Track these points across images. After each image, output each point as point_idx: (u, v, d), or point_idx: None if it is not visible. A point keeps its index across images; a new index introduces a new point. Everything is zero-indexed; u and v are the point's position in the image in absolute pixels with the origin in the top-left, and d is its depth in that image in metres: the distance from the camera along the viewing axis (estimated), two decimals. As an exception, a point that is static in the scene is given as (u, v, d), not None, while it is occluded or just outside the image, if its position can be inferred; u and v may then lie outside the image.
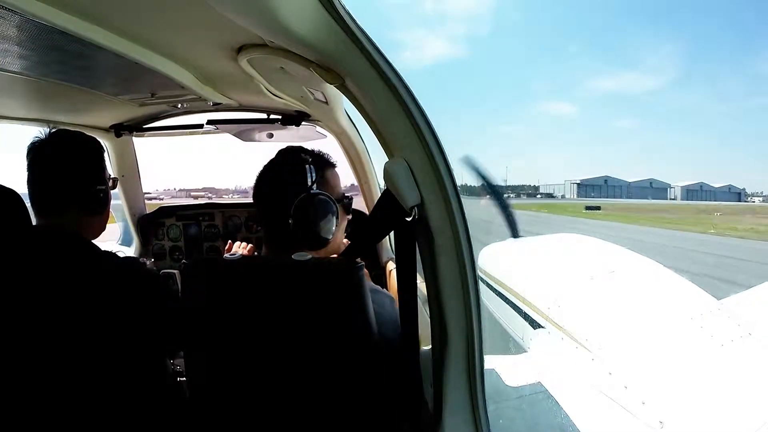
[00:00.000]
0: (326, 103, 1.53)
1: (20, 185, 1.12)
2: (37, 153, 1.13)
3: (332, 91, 1.23)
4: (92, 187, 1.14)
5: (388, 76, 0.80)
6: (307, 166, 1.08)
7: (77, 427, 1.00)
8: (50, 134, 1.15)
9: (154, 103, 1.76)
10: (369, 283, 0.99)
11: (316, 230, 1.06)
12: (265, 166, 1.14)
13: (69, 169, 1.12)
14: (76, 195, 1.12)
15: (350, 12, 0.76)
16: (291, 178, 1.07)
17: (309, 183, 1.06)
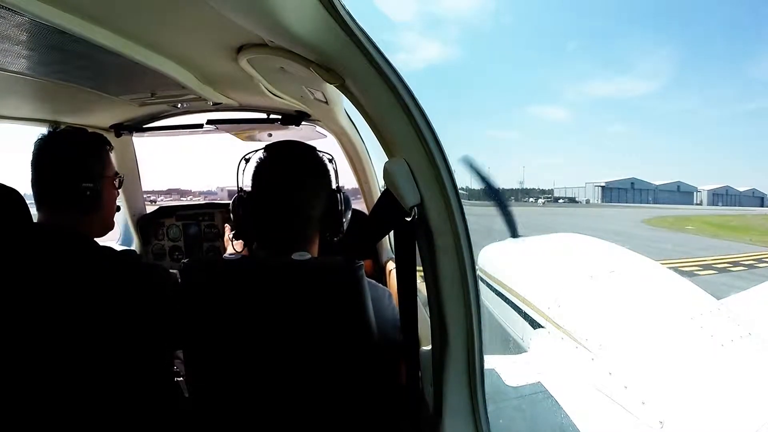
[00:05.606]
0: (326, 103, 1.53)
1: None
2: (35, 150, 1.14)
3: (332, 91, 1.23)
4: (77, 185, 1.13)
5: (388, 76, 0.80)
6: (330, 162, 1.11)
7: (77, 426, 1.00)
8: (50, 133, 1.15)
9: (154, 103, 1.76)
10: (367, 278, 1.00)
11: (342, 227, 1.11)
12: (277, 161, 1.08)
13: (57, 167, 1.12)
14: (64, 193, 1.12)
15: (350, 12, 0.76)
16: (313, 175, 1.08)
17: (335, 179, 1.11)
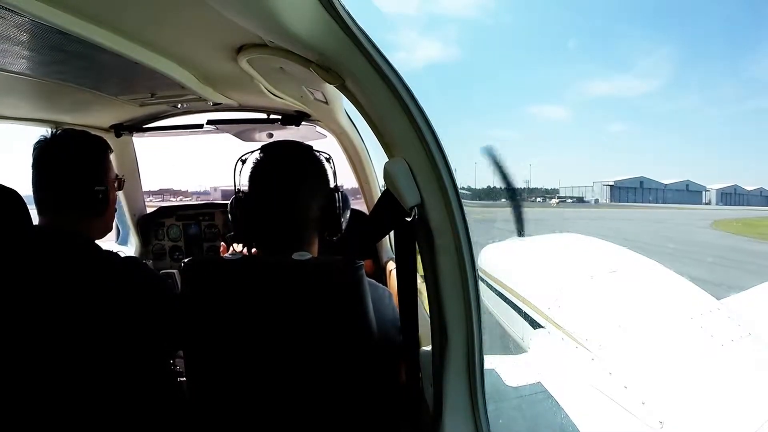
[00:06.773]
0: (326, 103, 1.53)
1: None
2: (38, 152, 1.13)
3: (332, 91, 1.23)
4: (90, 188, 1.13)
5: (388, 76, 0.80)
6: (328, 162, 1.11)
7: (77, 428, 1.00)
8: (53, 134, 1.15)
9: (154, 103, 1.76)
10: (367, 278, 1.00)
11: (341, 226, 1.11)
12: (274, 162, 1.07)
13: (67, 170, 1.12)
14: (74, 196, 1.12)
15: (350, 12, 0.77)
16: (310, 174, 1.08)
17: (333, 178, 1.10)
